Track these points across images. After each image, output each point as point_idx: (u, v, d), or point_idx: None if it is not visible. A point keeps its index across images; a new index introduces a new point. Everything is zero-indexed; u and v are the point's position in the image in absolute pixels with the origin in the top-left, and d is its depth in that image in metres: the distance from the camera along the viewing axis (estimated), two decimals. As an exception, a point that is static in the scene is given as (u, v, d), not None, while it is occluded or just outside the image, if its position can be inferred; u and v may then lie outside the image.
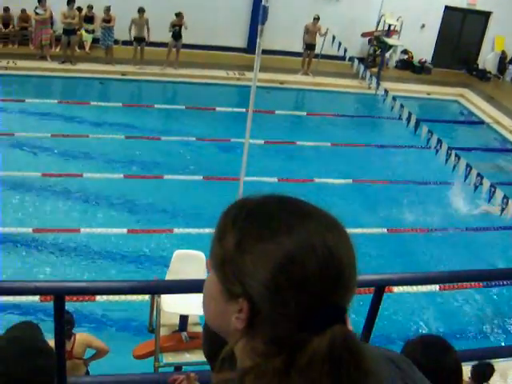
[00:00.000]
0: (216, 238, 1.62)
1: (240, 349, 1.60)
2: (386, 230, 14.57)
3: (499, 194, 13.49)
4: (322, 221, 1.60)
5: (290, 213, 1.59)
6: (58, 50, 23.75)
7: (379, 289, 4.39)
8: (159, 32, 23.16)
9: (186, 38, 23.74)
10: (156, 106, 20.23)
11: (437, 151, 15.87)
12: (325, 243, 1.52)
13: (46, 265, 12.00)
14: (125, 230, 13.15)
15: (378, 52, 26.95)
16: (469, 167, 14.44)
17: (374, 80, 20.23)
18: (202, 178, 15.65)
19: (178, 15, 23.22)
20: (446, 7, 28.50)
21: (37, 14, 22.88)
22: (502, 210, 13.47)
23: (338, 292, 1.53)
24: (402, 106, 17.29)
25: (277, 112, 20.24)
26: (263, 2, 8.32)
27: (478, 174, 14.14)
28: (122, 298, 10.03)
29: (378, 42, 26.53)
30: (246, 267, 1.52)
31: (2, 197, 14.09)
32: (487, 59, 29.53)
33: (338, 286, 1.53)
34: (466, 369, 8.23)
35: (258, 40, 8.39)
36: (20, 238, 12.84)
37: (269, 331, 1.53)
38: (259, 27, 8.34)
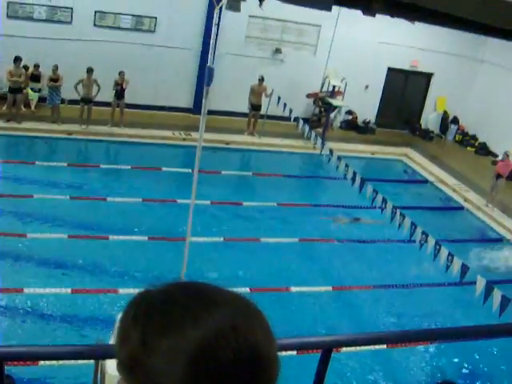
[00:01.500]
0: (119, 339, 1.49)
1: None
2: (331, 287, 14.64)
3: (444, 251, 13.60)
4: (232, 307, 1.48)
5: (196, 301, 1.47)
6: (3, 108, 23.57)
7: (327, 351, 4.35)
8: (105, 92, 23.21)
9: (132, 97, 23.87)
10: (102, 165, 20.06)
11: (382, 210, 16.00)
12: (236, 332, 1.42)
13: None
14: (69, 290, 12.94)
15: (322, 112, 27.31)
16: (414, 225, 14.57)
17: (319, 140, 20.39)
18: (146, 238, 15.54)
19: (120, 73, 23.37)
20: (389, 68, 29.10)
21: (-17, 73, 22.82)
22: (447, 267, 13.58)
23: (259, 381, 1.43)
24: (346, 165, 17.43)
25: (223, 172, 20.25)
26: (208, 64, 8.40)
27: (423, 233, 14.26)
28: (66, 361, 9.83)
29: (323, 103, 26.91)
30: (157, 367, 1.40)
31: None
32: (430, 119, 30.14)
33: (257, 377, 1.43)
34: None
35: (203, 101, 8.46)
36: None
37: None
38: (205, 88, 8.40)
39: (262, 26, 26.50)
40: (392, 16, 8.95)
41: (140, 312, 1.47)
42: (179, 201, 17.28)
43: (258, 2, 6.90)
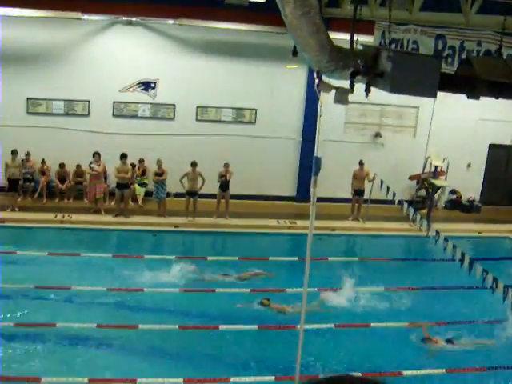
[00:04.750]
0: None
1: None
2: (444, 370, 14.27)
3: None
4: None
5: None
6: (112, 203, 24.41)
7: None
8: (210, 184, 23.77)
9: (236, 188, 24.36)
10: (209, 257, 20.30)
11: (493, 290, 15.66)
12: None
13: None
14: (181, 380, 12.97)
15: (427, 194, 27.12)
16: (528, 305, 14.21)
17: (425, 222, 20.21)
18: (256, 327, 15.54)
19: (225, 165, 23.89)
20: (491, 145, 28.80)
21: (91, 169, 23.76)
22: None
23: None
24: (454, 246, 17.19)
25: (329, 259, 20.18)
26: (315, 154, 8.55)
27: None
28: None
29: (426, 184, 26.75)
30: None
31: (60, 348, 14.24)
32: (536, 194, 29.52)
33: None
34: None
35: (311, 190, 8.59)
36: None
37: None
38: (313, 178, 8.53)
39: (360, 112, 26.80)
40: (496, 97, 9.04)
41: None
42: (288, 290, 17.42)
43: (365, 94, 7.11)
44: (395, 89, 6.93)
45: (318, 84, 7.61)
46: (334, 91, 7.43)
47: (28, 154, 24.74)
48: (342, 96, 7.40)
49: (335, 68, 7.31)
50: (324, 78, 7.55)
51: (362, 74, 7.16)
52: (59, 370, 13.36)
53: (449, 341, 15.77)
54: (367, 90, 7.17)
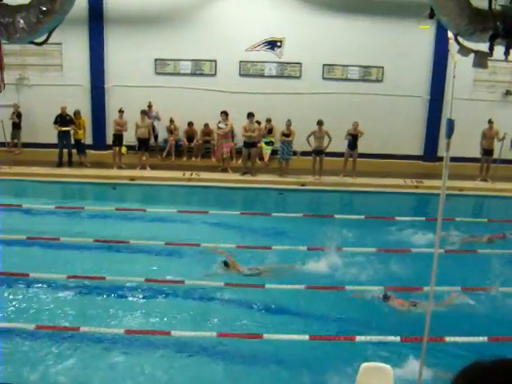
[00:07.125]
0: None
1: None
2: None
3: None
4: None
5: None
6: (238, 162, 24.81)
7: None
8: (336, 142, 23.75)
9: (363, 147, 24.23)
10: (336, 216, 20.34)
11: None
12: None
13: (231, 372, 12.17)
14: (307, 337, 13.12)
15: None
16: None
17: (558, 183, 19.62)
18: (382, 288, 15.45)
19: (353, 124, 23.80)
20: None
21: (219, 128, 24.25)
22: None
23: None
24: None
25: (457, 219, 19.85)
26: (449, 116, 8.45)
27: None
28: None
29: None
30: None
31: (189, 304, 14.66)
32: None
33: None
34: None
35: (445, 154, 8.49)
36: (198, 340, 13.09)
37: None
38: (446, 141, 8.45)
39: (490, 69, 26.05)
40: None
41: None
42: (413, 250, 17.36)
43: (504, 56, 6.99)
44: (537, 52, 6.76)
45: (460, 49, 7.50)
46: (472, 55, 7.33)
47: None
48: (480, 60, 7.28)
49: (474, 31, 7.18)
50: (460, 40, 7.45)
51: (502, 37, 7.00)
52: (189, 323, 13.74)
53: None
54: (507, 53, 7.02)
